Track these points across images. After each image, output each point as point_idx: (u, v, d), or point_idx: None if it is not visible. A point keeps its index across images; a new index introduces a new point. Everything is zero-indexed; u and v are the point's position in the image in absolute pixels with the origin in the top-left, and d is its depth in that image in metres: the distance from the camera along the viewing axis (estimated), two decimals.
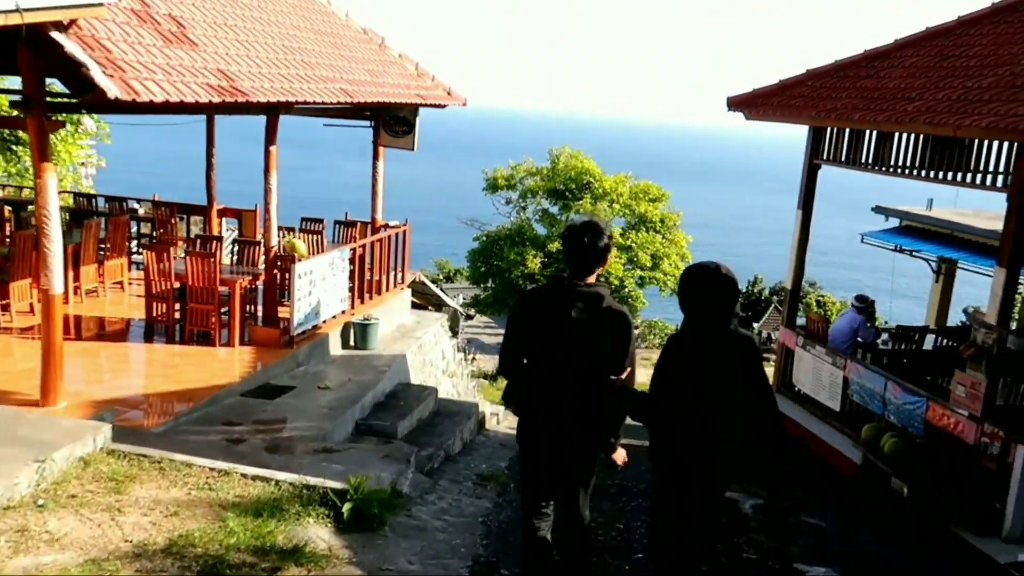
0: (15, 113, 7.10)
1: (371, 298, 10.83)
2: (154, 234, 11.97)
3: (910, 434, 7.70)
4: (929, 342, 10.48)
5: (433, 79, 12.04)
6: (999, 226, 8.58)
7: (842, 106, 8.66)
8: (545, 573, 4.45)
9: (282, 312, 9.30)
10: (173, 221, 11.84)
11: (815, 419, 9.41)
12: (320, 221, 11.95)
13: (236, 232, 12.21)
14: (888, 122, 7.89)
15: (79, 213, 11.72)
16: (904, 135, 8.23)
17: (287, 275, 9.35)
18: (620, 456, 4.20)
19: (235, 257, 10.65)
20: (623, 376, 4.05)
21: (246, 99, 7.23)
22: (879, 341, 10.02)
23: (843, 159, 9.18)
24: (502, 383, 4.53)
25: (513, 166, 36.08)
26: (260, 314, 9.54)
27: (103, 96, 5.59)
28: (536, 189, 35.09)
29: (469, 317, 39.25)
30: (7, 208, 11.53)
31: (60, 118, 7.33)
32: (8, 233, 10.30)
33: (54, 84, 6.42)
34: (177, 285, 9.03)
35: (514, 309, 4.36)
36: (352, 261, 10.19)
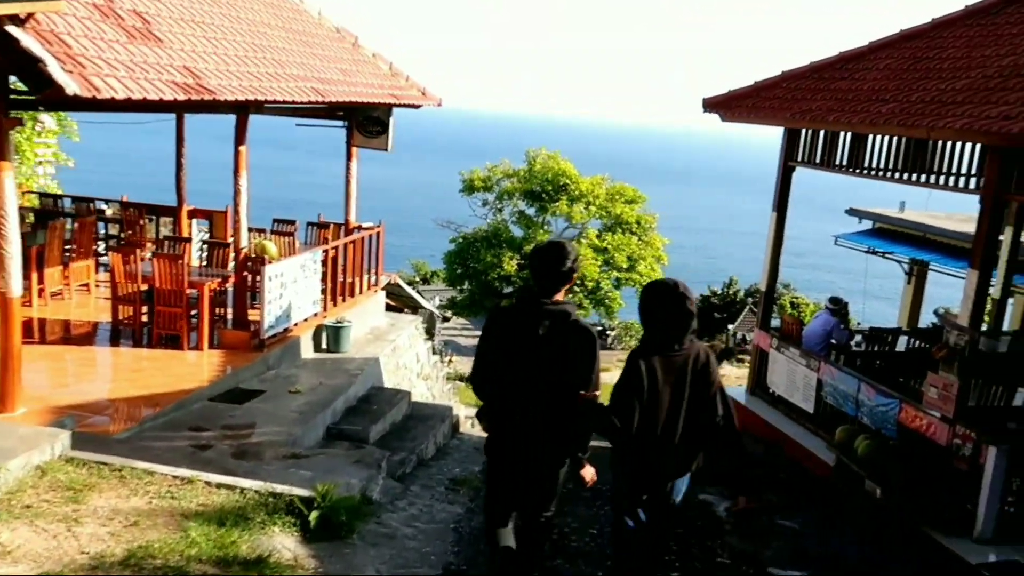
0: None
1: (344, 300, 10.69)
2: (122, 235, 11.74)
3: (883, 436, 7.71)
4: (902, 344, 10.52)
5: (407, 79, 11.91)
6: (970, 228, 8.63)
7: (817, 108, 8.66)
8: None
9: (252, 315, 9.13)
10: (142, 222, 11.60)
11: (789, 421, 9.41)
12: (292, 222, 11.80)
13: (206, 233, 12.00)
14: (862, 124, 7.89)
15: (44, 214, 11.45)
16: (878, 137, 8.23)
17: (257, 277, 9.19)
18: (588, 473, 4.25)
19: (204, 259, 10.45)
20: (590, 392, 4.13)
21: (213, 97, 7.06)
22: (852, 343, 10.05)
23: (818, 161, 9.18)
24: None
25: (490, 168, 36.05)
26: (230, 317, 9.37)
27: (62, 92, 5.41)
28: (513, 191, 35.09)
29: (446, 319, 39.14)
30: None
31: (20, 115, 7.13)
32: None
33: (17, 81, 6.24)
34: (145, 287, 8.85)
35: (487, 324, 4.45)
36: (325, 263, 10.04)
